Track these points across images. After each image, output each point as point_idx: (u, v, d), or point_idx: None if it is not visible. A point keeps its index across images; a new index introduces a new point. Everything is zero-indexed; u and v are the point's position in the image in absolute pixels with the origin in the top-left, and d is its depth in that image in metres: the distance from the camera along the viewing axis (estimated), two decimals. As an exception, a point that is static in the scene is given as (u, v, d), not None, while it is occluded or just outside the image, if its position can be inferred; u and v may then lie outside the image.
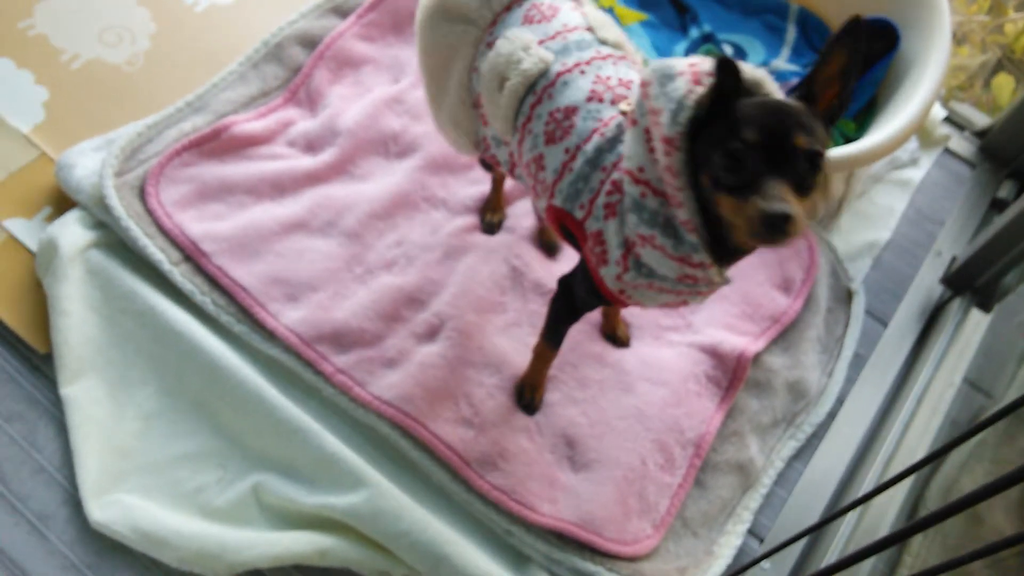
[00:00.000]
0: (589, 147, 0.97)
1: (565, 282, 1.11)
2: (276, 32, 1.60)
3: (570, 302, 1.12)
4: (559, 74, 1.01)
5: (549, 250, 1.44)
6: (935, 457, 1.01)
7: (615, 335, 1.36)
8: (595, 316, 1.36)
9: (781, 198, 0.78)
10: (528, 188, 1.09)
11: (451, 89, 1.13)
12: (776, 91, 0.88)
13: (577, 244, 1.03)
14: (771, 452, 1.34)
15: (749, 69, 0.86)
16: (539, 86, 1.02)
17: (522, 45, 1.02)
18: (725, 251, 0.91)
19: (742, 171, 0.81)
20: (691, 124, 0.84)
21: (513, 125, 1.05)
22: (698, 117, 0.84)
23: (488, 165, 1.29)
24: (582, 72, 1.01)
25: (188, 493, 1.17)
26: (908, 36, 1.66)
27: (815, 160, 0.81)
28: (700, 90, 0.83)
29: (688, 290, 0.96)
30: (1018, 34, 2.17)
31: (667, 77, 0.85)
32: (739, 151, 0.81)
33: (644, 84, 0.87)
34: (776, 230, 0.78)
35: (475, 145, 1.18)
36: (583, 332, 1.36)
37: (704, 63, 0.85)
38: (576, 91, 0.99)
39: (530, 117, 1.03)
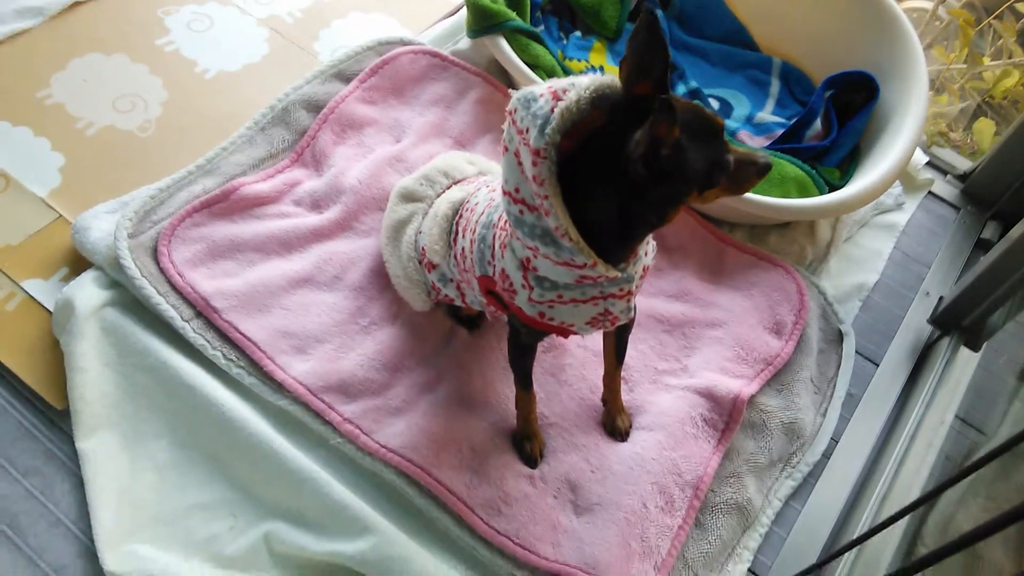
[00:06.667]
0: (483, 217, 1.15)
1: (511, 324, 1.21)
2: (282, 97, 1.67)
3: (516, 341, 1.23)
4: (470, 197, 1.26)
5: None
6: (928, 498, 1.04)
7: (614, 426, 1.35)
8: (596, 375, 1.39)
9: (748, 154, 0.97)
10: (472, 295, 1.25)
11: (402, 248, 1.35)
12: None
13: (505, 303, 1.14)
14: (769, 492, 1.37)
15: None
16: (461, 208, 1.25)
17: (449, 194, 1.31)
18: (614, 247, 0.99)
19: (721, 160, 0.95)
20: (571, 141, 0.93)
21: (448, 244, 1.25)
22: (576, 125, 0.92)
23: (453, 313, 1.45)
24: (478, 188, 1.26)
25: (200, 543, 1.20)
26: (887, 86, 1.73)
27: None
28: (563, 104, 0.90)
29: (598, 294, 1.03)
30: (997, 80, 2.25)
31: (530, 100, 0.93)
32: (723, 161, 0.95)
33: (510, 112, 0.95)
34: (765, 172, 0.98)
35: (426, 294, 1.36)
36: (583, 381, 1.40)
37: (559, 82, 0.94)
38: (481, 201, 1.20)
39: (457, 232, 1.23)
